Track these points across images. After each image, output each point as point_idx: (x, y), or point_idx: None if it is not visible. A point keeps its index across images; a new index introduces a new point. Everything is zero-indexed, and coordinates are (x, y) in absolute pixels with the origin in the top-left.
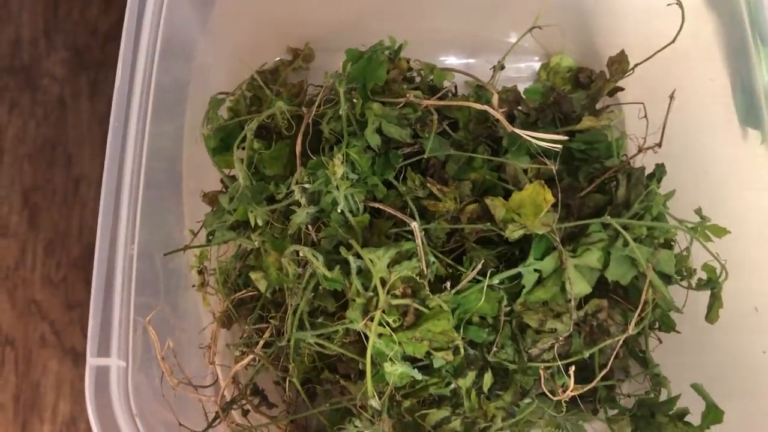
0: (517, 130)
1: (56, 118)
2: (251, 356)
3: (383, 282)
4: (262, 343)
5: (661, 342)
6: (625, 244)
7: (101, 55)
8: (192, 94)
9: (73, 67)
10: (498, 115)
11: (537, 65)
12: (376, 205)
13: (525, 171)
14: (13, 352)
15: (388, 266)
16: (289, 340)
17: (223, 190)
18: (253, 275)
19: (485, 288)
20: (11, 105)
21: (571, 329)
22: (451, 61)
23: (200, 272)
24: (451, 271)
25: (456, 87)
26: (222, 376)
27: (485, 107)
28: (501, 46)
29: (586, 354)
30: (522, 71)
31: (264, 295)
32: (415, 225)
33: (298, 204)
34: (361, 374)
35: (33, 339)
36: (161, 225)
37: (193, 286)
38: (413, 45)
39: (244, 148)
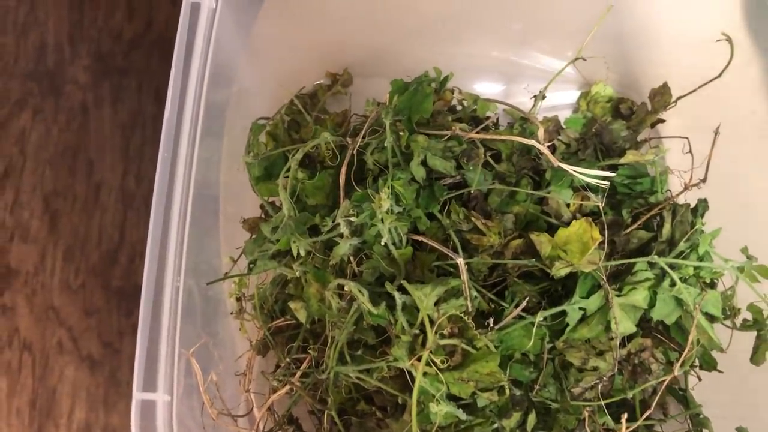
0: (564, 165)
1: (78, 125)
2: (288, 386)
3: (431, 320)
4: (299, 373)
5: (700, 380)
6: (672, 284)
7: (125, 62)
8: (229, 118)
9: (97, 74)
10: (545, 150)
11: (574, 93)
12: (420, 238)
13: (567, 204)
14: (31, 357)
15: (435, 304)
16: (329, 373)
17: (263, 216)
18: (292, 305)
19: (528, 325)
20: (35, 111)
21: (615, 369)
22: (486, 87)
23: (238, 299)
24: (493, 306)
25: (498, 118)
26: (256, 403)
27: (532, 142)
28: (536, 72)
29: (630, 394)
30: (559, 99)
31: (304, 325)
32: (461, 261)
33: (341, 235)
34: (398, 407)
35: (50, 345)
36: (201, 251)
37: (231, 313)
38: (449, 71)
39: (286, 177)
